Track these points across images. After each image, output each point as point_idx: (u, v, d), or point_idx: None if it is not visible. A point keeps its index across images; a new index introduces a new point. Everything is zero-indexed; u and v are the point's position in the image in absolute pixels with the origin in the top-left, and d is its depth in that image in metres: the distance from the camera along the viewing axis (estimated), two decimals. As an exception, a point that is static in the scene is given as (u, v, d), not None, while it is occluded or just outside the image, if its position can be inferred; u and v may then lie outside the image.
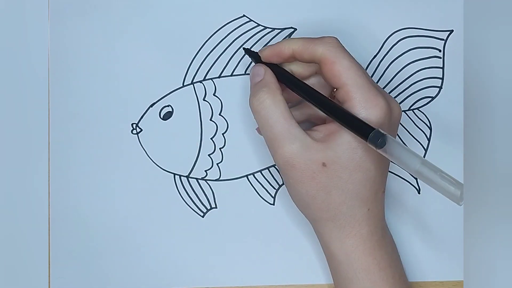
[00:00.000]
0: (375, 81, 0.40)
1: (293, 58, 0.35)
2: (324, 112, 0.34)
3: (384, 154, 0.31)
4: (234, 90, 0.40)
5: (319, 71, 0.35)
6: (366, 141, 0.31)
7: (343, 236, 0.34)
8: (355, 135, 0.32)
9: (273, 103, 0.34)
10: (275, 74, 0.35)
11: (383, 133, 0.31)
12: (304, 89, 0.35)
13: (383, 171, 0.35)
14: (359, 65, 0.34)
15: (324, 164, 0.33)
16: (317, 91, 0.35)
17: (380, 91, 0.34)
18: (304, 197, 0.34)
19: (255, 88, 0.35)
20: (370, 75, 0.40)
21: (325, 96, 0.34)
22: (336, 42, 0.34)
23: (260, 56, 0.36)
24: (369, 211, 0.34)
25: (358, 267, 0.34)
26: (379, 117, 0.32)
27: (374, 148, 0.31)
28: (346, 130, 0.33)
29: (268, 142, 0.34)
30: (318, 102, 0.34)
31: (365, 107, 0.33)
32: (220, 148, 0.40)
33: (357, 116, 0.32)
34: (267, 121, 0.34)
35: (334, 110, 0.33)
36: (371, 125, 0.32)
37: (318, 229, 0.36)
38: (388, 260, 0.35)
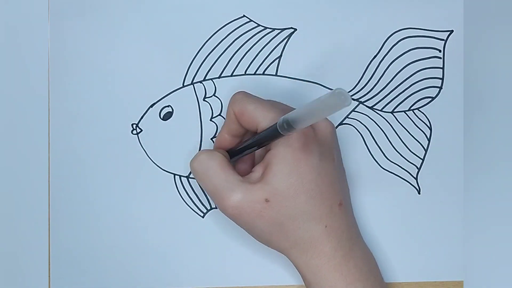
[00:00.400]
0: (376, 82, 0.41)
1: (236, 138, 0.37)
2: (255, 149, 0.35)
3: (303, 129, 0.31)
4: (234, 91, 0.40)
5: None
6: (283, 136, 0.32)
7: (308, 258, 0.35)
8: (287, 165, 0.33)
9: (209, 157, 0.35)
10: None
11: (282, 120, 0.31)
12: (240, 149, 0.36)
13: (330, 185, 0.35)
14: (265, 104, 0.35)
15: (267, 200, 0.34)
16: (244, 143, 0.36)
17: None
18: (262, 235, 0.35)
19: None
20: (370, 75, 0.40)
21: (251, 138, 0.35)
22: (240, 95, 0.36)
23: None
24: (327, 227, 0.34)
25: (326, 284, 0.34)
26: (299, 137, 0.33)
27: (293, 132, 0.31)
28: (276, 161, 0.33)
29: (211, 196, 0.35)
30: (248, 147, 0.36)
31: (283, 136, 0.33)
32: (220, 148, 0.40)
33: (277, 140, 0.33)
34: (206, 176, 0.35)
35: (255, 142, 0.35)
36: (290, 136, 0.33)
37: (288, 257, 0.36)
38: (356, 273, 0.35)
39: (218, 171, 0.34)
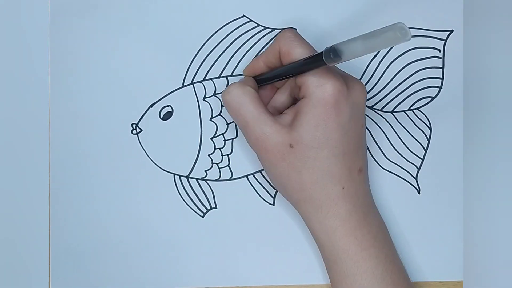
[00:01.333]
0: (376, 82, 0.41)
1: (268, 68, 0.37)
2: (290, 77, 0.36)
3: (349, 59, 0.31)
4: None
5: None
6: (327, 65, 0.32)
7: (321, 217, 0.35)
8: (316, 117, 0.33)
9: (242, 92, 0.35)
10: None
11: (329, 48, 0.31)
12: (270, 75, 0.37)
13: (354, 149, 0.35)
14: (313, 50, 0.35)
15: (291, 146, 0.34)
16: (279, 69, 0.36)
17: (336, 72, 0.35)
18: (279, 179, 0.36)
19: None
20: (370, 75, 0.40)
21: (284, 66, 0.36)
22: (290, 33, 0.36)
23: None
24: (344, 189, 0.35)
25: (340, 248, 0.35)
26: (332, 93, 0.33)
27: (339, 62, 0.31)
28: (307, 110, 0.34)
29: (242, 129, 0.36)
30: (280, 75, 0.36)
31: (317, 85, 0.34)
32: (220, 149, 0.40)
33: (311, 88, 0.34)
34: (238, 111, 0.35)
35: (291, 70, 0.35)
36: (325, 88, 0.33)
37: (299, 211, 0.36)
38: (371, 240, 0.35)
39: (251, 107, 0.35)
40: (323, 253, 0.36)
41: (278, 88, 0.38)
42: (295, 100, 0.38)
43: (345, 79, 0.35)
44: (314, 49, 0.35)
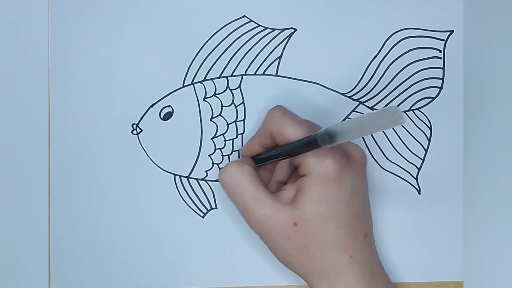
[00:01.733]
0: (376, 82, 0.41)
1: (264, 148, 0.37)
2: (285, 158, 0.35)
3: (343, 141, 0.31)
4: (234, 90, 0.40)
5: None
6: (321, 147, 0.32)
7: (330, 287, 0.35)
8: (319, 193, 0.33)
9: (240, 171, 0.35)
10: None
11: (323, 131, 0.31)
12: (267, 155, 0.36)
13: (358, 217, 0.35)
14: (305, 126, 0.34)
15: (295, 224, 0.34)
16: (276, 150, 0.36)
17: None
18: (286, 257, 0.35)
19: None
20: (371, 76, 0.40)
21: (281, 147, 0.35)
22: (279, 112, 0.35)
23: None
24: (352, 258, 0.35)
25: None
26: (333, 168, 0.33)
27: (334, 144, 0.31)
28: (309, 187, 0.33)
29: (240, 210, 0.35)
30: (277, 156, 0.36)
31: (318, 162, 0.33)
32: (220, 149, 0.40)
33: (311, 165, 0.33)
34: (236, 191, 0.35)
35: (288, 152, 0.34)
36: (326, 163, 0.33)
37: (308, 283, 0.36)
38: None
39: (249, 186, 0.35)
40: None
41: (276, 164, 0.38)
42: (295, 171, 0.38)
43: (344, 149, 0.35)
44: (305, 123, 0.35)
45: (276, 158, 0.36)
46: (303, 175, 0.34)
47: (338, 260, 0.34)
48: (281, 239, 0.34)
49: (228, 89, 0.40)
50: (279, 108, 0.36)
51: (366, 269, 0.35)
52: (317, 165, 0.33)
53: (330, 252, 0.34)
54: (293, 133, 0.34)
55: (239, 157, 0.40)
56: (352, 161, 0.35)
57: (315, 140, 0.32)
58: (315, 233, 0.34)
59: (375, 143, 0.41)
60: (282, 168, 0.38)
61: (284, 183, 0.38)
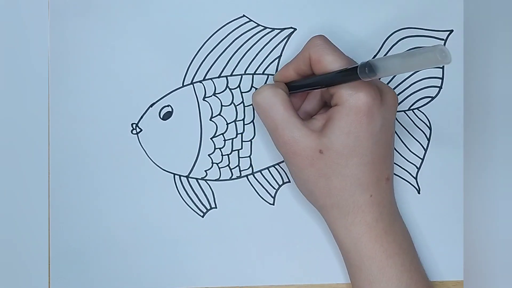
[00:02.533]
0: (375, 81, 0.41)
1: (298, 75, 0.37)
2: (322, 87, 0.35)
3: (384, 76, 0.31)
4: (234, 90, 0.40)
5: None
6: (361, 79, 0.31)
7: (348, 223, 0.35)
8: (348, 125, 0.33)
9: (273, 94, 0.35)
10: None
11: (365, 63, 0.31)
12: (301, 83, 0.37)
13: (383, 158, 0.35)
14: (344, 58, 0.34)
15: (321, 151, 0.34)
16: (312, 78, 0.36)
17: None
18: (306, 184, 0.35)
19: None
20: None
21: (317, 76, 0.35)
22: (320, 40, 0.35)
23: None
24: (372, 197, 0.35)
25: (365, 254, 0.35)
26: (366, 101, 0.33)
27: (374, 78, 0.31)
28: (339, 117, 0.33)
29: (270, 131, 0.36)
30: (312, 85, 0.36)
31: (351, 94, 0.33)
32: (220, 148, 0.40)
33: (345, 96, 0.33)
34: (268, 112, 0.35)
35: (324, 81, 0.34)
36: (359, 96, 0.33)
37: (325, 216, 0.36)
38: (396, 247, 0.35)
39: (281, 109, 0.35)
40: (347, 259, 0.36)
41: (308, 94, 0.38)
42: (325, 105, 0.38)
43: (379, 87, 0.35)
44: (344, 55, 0.35)
45: (311, 87, 0.36)
46: (335, 105, 0.34)
47: (358, 197, 0.34)
48: (305, 165, 0.34)
49: (227, 88, 0.40)
50: (321, 37, 0.36)
51: (385, 211, 0.35)
52: (351, 96, 0.33)
53: (352, 186, 0.34)
54: (331, 61, 0.34)
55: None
56: (385, 100, 0.34)
57: (355, 71, 0.31)
58: (339, 164, 0.34)
59: (375, 142, 0.40)
60: (313, 99, 0.38)
61: (312, 115, 0.37)
